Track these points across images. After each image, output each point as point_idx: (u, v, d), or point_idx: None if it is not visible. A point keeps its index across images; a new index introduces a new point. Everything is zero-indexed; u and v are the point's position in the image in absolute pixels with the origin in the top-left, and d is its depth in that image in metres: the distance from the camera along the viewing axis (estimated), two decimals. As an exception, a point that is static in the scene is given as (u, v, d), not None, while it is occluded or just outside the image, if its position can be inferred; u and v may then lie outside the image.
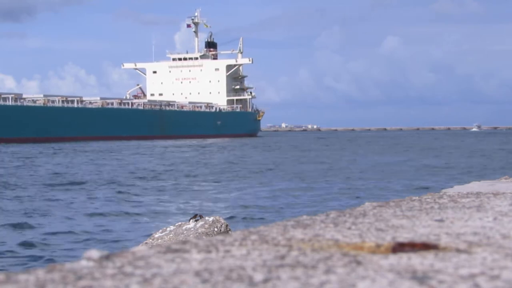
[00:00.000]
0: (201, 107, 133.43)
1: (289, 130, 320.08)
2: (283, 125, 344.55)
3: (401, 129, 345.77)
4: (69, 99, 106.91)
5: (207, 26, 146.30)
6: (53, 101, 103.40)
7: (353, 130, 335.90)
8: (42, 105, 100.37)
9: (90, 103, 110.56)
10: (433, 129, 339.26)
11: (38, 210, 21.65)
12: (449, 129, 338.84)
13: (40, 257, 14.30)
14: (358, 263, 2.04)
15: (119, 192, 27.62)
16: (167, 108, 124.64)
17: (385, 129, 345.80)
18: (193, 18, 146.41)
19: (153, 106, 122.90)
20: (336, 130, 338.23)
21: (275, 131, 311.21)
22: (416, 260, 2.09)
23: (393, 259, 2.12)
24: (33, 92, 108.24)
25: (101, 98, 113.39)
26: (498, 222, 3.09)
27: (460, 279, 1.83)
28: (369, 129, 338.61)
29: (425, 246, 2.34)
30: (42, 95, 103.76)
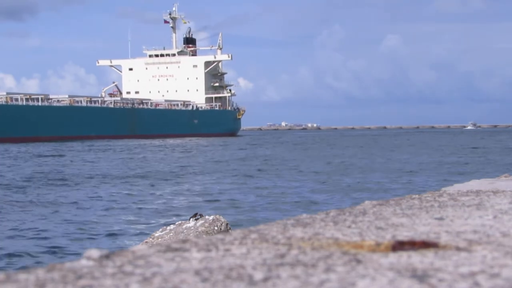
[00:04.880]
0: (177, 105, 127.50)
1: (289, 129, 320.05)
2: (283, 123, 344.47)
3: (401, 127, 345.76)
4: (33, 97, 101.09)
5: (185, 21, 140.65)
6: (16, 99, 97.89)
7: (353, 128, 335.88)
8: (4, 103, 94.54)
9: (58, 101, 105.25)
10: (433, 127, 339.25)
11: (33, 206, 21.66)
12: (449, 127, 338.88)
13: (43, 253, 14.31)
14: (358, 261, 2.04)
15: (117, 190, 27.64)
16: (140, 107, 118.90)
17: (385, 128, 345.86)
18: (170, 13, 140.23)
19: (124, 105, 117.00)
20: (336, 128, 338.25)
21: (275, 129, 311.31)
22: (416, 259, 2.09)
23: (393, 257, 2.12)
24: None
25: (70, 96, 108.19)
26: (498, 220, 3.09)
27: (460, 277, 1.83)
28: (369, 128, 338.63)
29: (425, 245, 2.34)
30: (5, 93, 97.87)
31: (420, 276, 1.84)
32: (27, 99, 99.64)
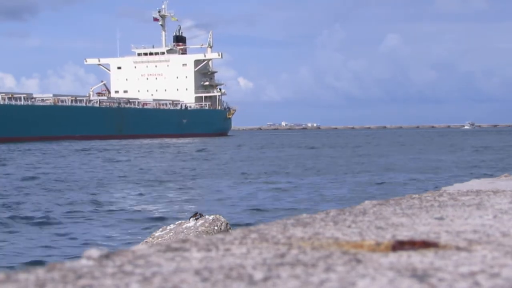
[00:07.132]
0: (166, 104, 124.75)
1: (289, 129, 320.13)
2: (283, 123, 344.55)
3: (401, 127, 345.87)
4: (16, 96, 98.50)
5: (174, 19, 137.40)
6: None
7: (353, 128, 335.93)
8: None
9: (42, 100, 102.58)
10: (433, 127, 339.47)
11: (43, 208, 21.67)
12: (449, 126, 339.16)
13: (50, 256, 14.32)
14: (358, 261, 2.04)
15: (115, 191, 27.64)
16: (127, 106, 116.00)
17: (385, 127, 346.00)
18: (159, 11, 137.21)
19: (111, 104, 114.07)
20: (336, 128, 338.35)
21: (275, 129, 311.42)
22: (416, 258, 2.09)
23: (393, 257, 2.12)
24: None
25: (54, 95, 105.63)
26: (498, 220, 3.09)
27: (460, 277, 1.83)
28: (369, 127, 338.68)
29: (425, 244, 2.34)
30: None
31: (420, 275, 1.84)
32: (9, 98, 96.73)
